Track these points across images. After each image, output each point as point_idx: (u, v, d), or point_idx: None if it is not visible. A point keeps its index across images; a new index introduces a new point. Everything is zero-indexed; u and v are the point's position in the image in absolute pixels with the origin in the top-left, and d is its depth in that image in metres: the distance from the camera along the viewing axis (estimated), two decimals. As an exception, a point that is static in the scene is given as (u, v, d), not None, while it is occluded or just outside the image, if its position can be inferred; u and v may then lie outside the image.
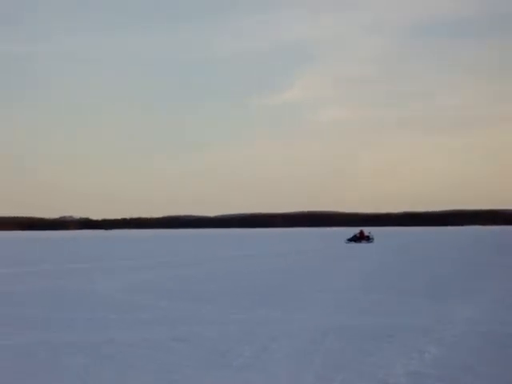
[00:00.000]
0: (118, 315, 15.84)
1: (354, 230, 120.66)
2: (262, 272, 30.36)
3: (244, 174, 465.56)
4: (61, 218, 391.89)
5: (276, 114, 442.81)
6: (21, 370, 10.08)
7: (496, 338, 12.49)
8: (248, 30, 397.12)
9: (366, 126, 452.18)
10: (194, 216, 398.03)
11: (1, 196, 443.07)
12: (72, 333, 13.36)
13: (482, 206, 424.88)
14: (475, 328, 13.58)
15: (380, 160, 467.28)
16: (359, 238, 76.70)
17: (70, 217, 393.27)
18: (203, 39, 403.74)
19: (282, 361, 10.55)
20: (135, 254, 52.00)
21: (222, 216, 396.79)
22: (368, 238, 76.14)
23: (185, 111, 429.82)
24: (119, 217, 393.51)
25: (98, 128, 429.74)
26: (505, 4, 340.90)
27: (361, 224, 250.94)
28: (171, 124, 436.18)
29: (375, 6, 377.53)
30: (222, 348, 11.62)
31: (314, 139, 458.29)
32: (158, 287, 23.00)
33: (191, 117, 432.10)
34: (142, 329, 13.83)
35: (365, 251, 53.19)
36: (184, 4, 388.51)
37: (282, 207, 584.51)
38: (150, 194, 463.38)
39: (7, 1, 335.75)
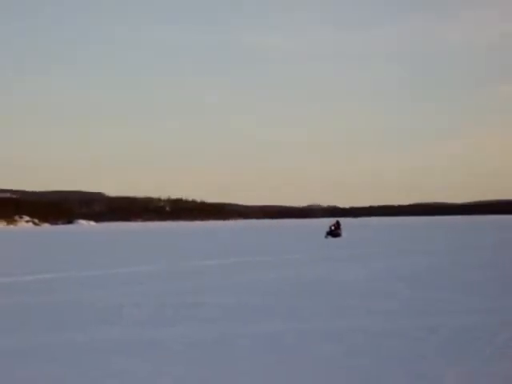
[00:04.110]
0: (361, 302, 15.94)
1: None
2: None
3: (472, 162, 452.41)
4: (309, 206, 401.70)
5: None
6: (266, 359, 10.45)
7: None
8: (477, 19, 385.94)
9: None
10: (438, 203, 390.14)
11: (254, 187, 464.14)
12: (319, 320, 13.64)
13: None
14: None
15: None
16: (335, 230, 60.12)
17: (318, 205, 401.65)
18: (433, 29, 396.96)
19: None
20: (378, 242, 51.97)
21: (470, 203, 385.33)
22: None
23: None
24: (367, 204, 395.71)
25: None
26: None
27: None
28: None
29: None
30: (466, 337, 11.27)
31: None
32: (400, 275, 22.80)
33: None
34: (384, 317, 13.79)
35: None
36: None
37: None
38: (393, 181, 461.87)
39: None
